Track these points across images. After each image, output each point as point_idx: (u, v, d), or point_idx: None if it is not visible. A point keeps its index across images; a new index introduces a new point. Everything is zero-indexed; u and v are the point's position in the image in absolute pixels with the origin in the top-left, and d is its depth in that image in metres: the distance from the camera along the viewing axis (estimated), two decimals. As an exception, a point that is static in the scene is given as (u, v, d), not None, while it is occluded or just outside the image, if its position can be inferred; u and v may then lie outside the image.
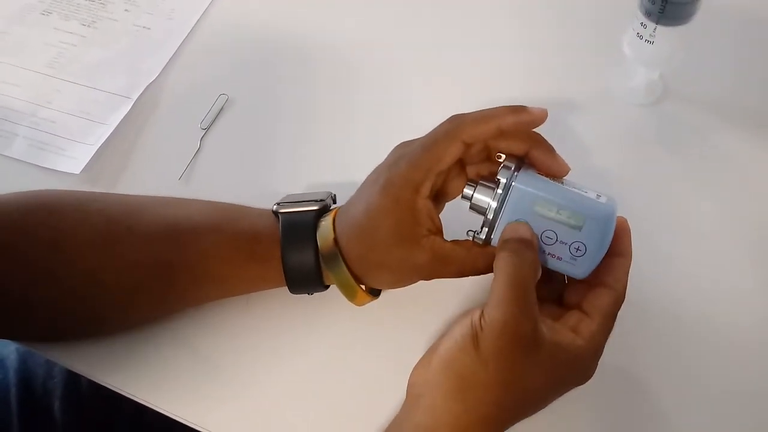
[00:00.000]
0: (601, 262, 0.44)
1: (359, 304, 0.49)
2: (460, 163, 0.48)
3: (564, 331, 0.42)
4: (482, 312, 0.41)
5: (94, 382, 0.57)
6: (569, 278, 0.46)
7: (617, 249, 0.44)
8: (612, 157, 0.59)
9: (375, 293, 0.49)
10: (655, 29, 0.53)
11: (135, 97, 0.64)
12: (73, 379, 0.63)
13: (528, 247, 0.42)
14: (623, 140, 0.60)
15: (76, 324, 0.51)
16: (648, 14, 0.53)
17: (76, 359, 0.52)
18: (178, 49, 0.68)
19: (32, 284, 0.47)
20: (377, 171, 0.48)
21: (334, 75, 0.65)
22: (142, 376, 0.51)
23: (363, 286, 0.48)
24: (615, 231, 0.44)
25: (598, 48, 0.64)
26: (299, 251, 0.48)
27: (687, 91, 0.61)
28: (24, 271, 0.47)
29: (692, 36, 0.54)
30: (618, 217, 0.44)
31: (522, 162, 0.45)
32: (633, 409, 0.49)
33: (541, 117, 0.44)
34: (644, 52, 0.56)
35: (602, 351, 0.43)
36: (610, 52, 0.60)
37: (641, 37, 0.55)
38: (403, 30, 0.68)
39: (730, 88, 0.62)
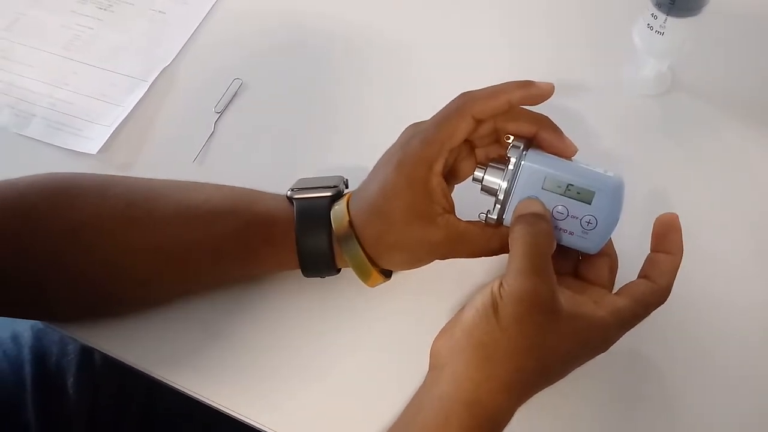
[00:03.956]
0: (648, 256, 0.45)
1: (372, 285, 0.50)
2: (470, 145, 0.48)
3: (584, 300, 0.43)
4: (501, 281, 0.42)
5: (108, 360, 0.58)
6: (583, 256, 0.47)
7: (664, 246, 0.45)
8: (619, 146, 0.59)
9: (387, 274, 0.50)
10: (665, 20, 0.54)
11: (150, 80, 0.65)
12: (87, 357, 0.64)
13: (542, 219, 0.43)
14: (631, 130, 0.60)
15: (90, 305, 0.52)
16: (659, 5, 0.54)
17: (90, 334, 0.53)
18: (193, 33, 0.68)
19: (49, 269, 0.48)
20: (389, 152, 0.49)
21: (347, 60, 0.66)
22: (155, 352, 0.52)
23: (376, 269, 0.49)
24: (663, 228, 0.45)
25: (609, 38, 0.64)
26: (314, 237, 0.49)
27: (696, 83, 0.62)
28: (41, 255, 0.48)
29: (702, 27, 0.54)
30: (669, 213, 0.45)
31: (530, 143, 0.46)
32: (643, 388, 0.50)
33: (548, 91, 0.45)
34: (654, 43, 0.56)
35: (627, 329, 0.44)
36: (620, 43, 0.60)
37: (651, 28, 0.55)
38: (417, 16, 0.68)
39: (739, 80, 0.62)
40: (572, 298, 0.42)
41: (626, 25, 0.58)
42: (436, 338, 0.46)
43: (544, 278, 0.41)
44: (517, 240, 0.42)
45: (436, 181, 0.46)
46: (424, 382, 0.45)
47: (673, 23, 0.54)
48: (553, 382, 0.44)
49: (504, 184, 0.45)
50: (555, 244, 0.43)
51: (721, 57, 0.63)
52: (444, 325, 0.46)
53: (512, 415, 0.42)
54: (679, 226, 0.45)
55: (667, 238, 0.45)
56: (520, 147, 0.45)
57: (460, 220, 0.46)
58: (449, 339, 0.44)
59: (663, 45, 0.56)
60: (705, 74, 0.62)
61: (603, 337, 0.43)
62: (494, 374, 0.41)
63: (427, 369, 0.46)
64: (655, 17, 0.54)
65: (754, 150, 0.59)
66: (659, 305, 0.44)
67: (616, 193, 0.44)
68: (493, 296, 0.42)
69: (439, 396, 0.43)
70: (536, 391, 0.43)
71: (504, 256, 0.47)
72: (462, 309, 0.45)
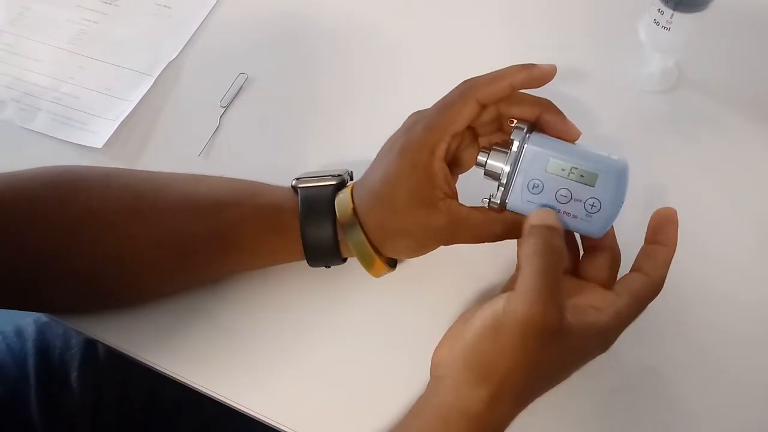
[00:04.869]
0: (642, 248, 0.44)
1: (376, 275, 0.50)
2: (473, 133, 0.48)
3: (587, 309, 0.42)
4: (507, 299, 0.41)
5: (112, 354, 0.58)
6: (585, 251, 0.47)
7: (660, 238, 0.44)
8: (624, 142, 0.59)
9: (392, 264, 0.50)
10: (672, 16, 0.54)
11: (156, 74, 0.65)
12: (91, 351, 0.64)
13: (555, 234, 0.42)
14: (637, 126, 0.60)
15: (92, 299, 0.52)
16: (665, 1, 0.54)
17: (94, 327, 0.53)
18: (198, 27, 0.68)
19: (51, 261, 0.48)
20: (392, 139, 0.49)
21: (352, 54, 0.66)
22: (159, 344, 0.53)
23: (380, 257, 0.49)
24: (660, 220, 0.44)
25: (614, 34, 0.64)
26: (318, 224, 0.49)
27: (702, 79, 0.62)
28: (44, 247, 0.48)
29: (709, 23, 0.54)
30: (668, 207, 0.45)
31: (534, 127, 0.46)
32: (642, 389, 0.50)
33: (550, 72, 0.45)
34: (660, 39, 0.56)
35: (626, 326, 0.43)
36: (626, 38, 0.60)
37: (658, 24, 0.55)
38: (421, 8, 0.68)
39: (746, 76, 0.62)
40: (576, 310, 0.41)
41: (632, 21, 0.58)
42: (437, 348, 0.46)
43: (555, 301, 0.40)
44: (529, 256, 0.41)
45: (439, 165, 0.45)
46: (425, 390, 0.45)
47: (680, 19, 0.54)
48: (554, 386, 0.44)
49: (507, 168, 0.45)
50: (567, 260, 0.43)
51: (727, 53, 0.63)
52: (448, 322, 0.46)
53: (512, 421, 0.43)
54: (677, 220, 0.44)
55: (663, 230, 0.44)
56: (523, 129, 0.45)
57: (463, 205, 0.46)
58: (450, 352, 0.44)
59: (669, 41, 0.56)
60: (711, 70, 0.62)
61: (604, 340, 0.43)
62: (495, 390, 0.41)
63: (430, 365, 0.46)
64: (662, 12, 0.54)
65: (759, 147, 0.59)
66: (654, 299, 0.44)
67: (620, 175, 0.44)
68: (496, 318, 0.41)
69: (439, 404, 0.43)
70: (538, 397, 0.43)
71: (510, 243, 0.47)
72: (464, 320, 0.44)
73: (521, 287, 0.40)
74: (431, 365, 0.46)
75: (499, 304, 0.41)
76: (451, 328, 0.46)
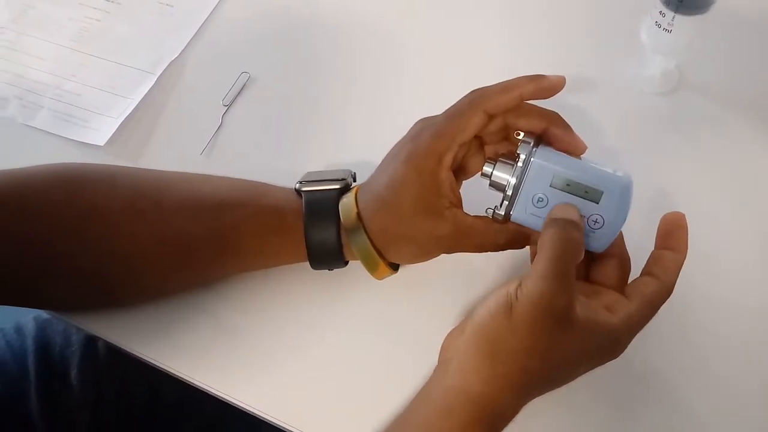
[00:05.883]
0: (653, 253, 0.44)
1: (379, 278, 0.50)
2: (479, 141, 0.49)
3: (598, 308, 0.42)
4: (520, 282, 0.41)
5: (112, 351, 0.59)
6: (598, 258, 0.47)
7: (670, 243, 0.44)
8: (625, 144, 0.59)
9: (394, 267, 0.50)
10: (673, 18, 0.54)
11: (158, 72, 0.65)
12: (91, 348, 0.64)
13: (575, 228, 0.42)
14: (638, 128, 0.61)
15: (96, 297, 0.52)
16: (667, 3, 0.54)
17: (95, 324, 0.54)
18: (201, 26, 0.69)
19: (54, 258, 0.48)
20: (399, 145, 0.49)
21: (354, 53, 0.66)
22: (160, 341, 0.53)
23: (384, 261, 0.49)
24: (669, 225, 0.45)
25: (616, 36, 0.64)
26: (322, 228, 0.49)
27: (703, 81, 0.62)
28: (47, 244, 0.48)
29: (710, 25, 0.54)
30: (676, 212, 0.45)
31: (540, 140, 0.46)
32: (648, 398, 0.50)
33: (559, 83, 0.45)
34: (662, 41, 0.56)
35: (637, 332, 0.43)
36: (627, 41, 0.60)
37: (659, 26, 0.55)
38: (423, 8, 0.69)
39: (747, 78, 0.62)
40: (587, 306, 0.42)
41: (633, 22, 0.58)
42: (448, 335, 0.46)
43: (565, 286, 0.40)
44: (546, 244, 0.41)
45: (445, 174, 0.46)
46: (432, 374, 0.46)
47: (681, 21, 0.54)
48: (560, 386, 0.44)
49: (513, 180, 0.45)
50: (583, 254, 0.43)
51: (728, 55, 0.63)
52: (448, 322, 0.47)
53: (516, 413, 0.43)
54: (686, 224, 0.45)
55: (673, 236, 0.45)
56: (530, 143, 0.45)
57: (467, 214, 0.47)
58: (459, 335, 0.44)
59: (670, 43, 0.56)
60: (712, 72, 0.62)
61: (614, 344, 0.43)
62: (500, 372, 0.41)
63: (436, 363, 0.46)
64: (663, 15, 0.54)
65: (759, 149, 0.59)
66: (664, 303, 0.44)
67: (624, 193, 0.44)
68: (509, 297, 0.41)
69: (445, 388, 0.43)
70: (541, 393, 0.43)
71: (515, 253, 0.47)
72: (475, 308, 0.45)
73: (533, 272, 0.41)
74: (440, 350, 0.46)
75: (512, 285, 0.42)
76: (464, 318, 0.46)
